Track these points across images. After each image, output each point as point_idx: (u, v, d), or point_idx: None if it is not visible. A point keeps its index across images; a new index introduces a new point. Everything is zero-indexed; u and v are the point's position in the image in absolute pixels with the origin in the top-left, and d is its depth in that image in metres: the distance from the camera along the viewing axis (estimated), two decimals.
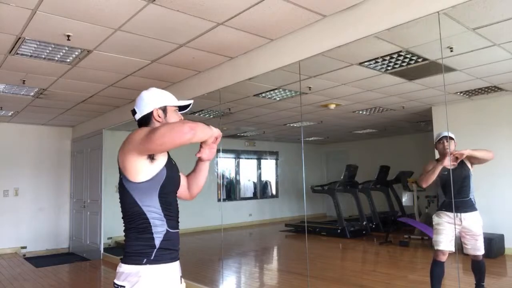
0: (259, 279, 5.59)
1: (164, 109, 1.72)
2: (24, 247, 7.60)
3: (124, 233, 1.65)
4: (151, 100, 1.72)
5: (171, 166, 1.66)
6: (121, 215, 1.67)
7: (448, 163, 3.39)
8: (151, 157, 1.56)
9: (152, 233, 1.58)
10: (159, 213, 1.60)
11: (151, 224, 1.58)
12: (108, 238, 7.46)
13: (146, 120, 1.71)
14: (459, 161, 3.45)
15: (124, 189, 1.61)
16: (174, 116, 1.74)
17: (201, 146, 1.70)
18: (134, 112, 1.74)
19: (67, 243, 8.16)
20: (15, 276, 5.63)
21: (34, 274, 5.80)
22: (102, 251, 6.92)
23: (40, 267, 6.25)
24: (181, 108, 1.78)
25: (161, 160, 1.60)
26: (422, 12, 2.56)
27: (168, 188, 1.64)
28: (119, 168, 1.63)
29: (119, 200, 1.66)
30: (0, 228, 7.37)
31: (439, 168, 3.42)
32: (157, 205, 1.60)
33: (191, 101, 1.80)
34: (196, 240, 8.20)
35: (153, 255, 1.57)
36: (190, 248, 7.24)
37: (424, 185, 3.53)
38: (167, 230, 1.61)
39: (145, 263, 1.55)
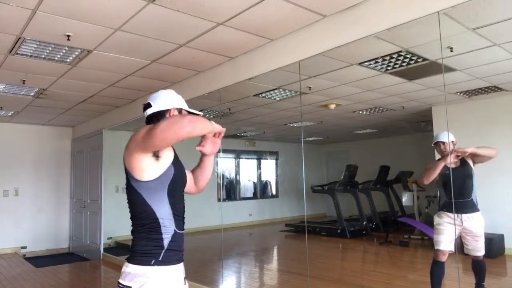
0: (259, 279, 5.59)
1: (180, 111, 1.73)
2: (24, 247, 7.60)
3: (132, 233, 1.64)
4: (171, 99, 1.73)
5: (178, 164, 1.66)
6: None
7: (449, 161, 3.37)
8: (156, 155, 1.55)
9: (161, 234, 1.57)
10: (168, 213, 1.59)
11: (161, 224, 1.58)
12: (108, 238, 7.46)
13: (159, 116, 1.68)
14: (460, 158, 3.43)
15: (132, 188, 1.59)
16: None
17: (202, 140, 1.71)
18: (147, 106, 1.71)
19: (67, 243, 8.16)
20: (15, 276, 5.63)
21: (34, 274, 5.80)
22: (102, 251, 6.91)
23: (40, 267, 6.25)
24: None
25: (167, 158, 1.59)
26: (422, 12, 2.56)
27: (176, 187, 1.63)
28: (125, 168, 1.61)
29: (126, 201, 1.65)
30: (0, 228, 7.38)
31: (441, 165, 3.40)
32: (166, 205, 1.59)
33: (201, 113, 1.82)
34: (196, 240, 8.19)
35: (161, 256, 1.56)
36: (190, 248, 7.22)
37: (426, 182, 3.49)
38: (175, 230, 1.61)
39: (153, 264, 1.54)
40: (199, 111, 1.74)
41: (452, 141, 3.48)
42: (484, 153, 3.35)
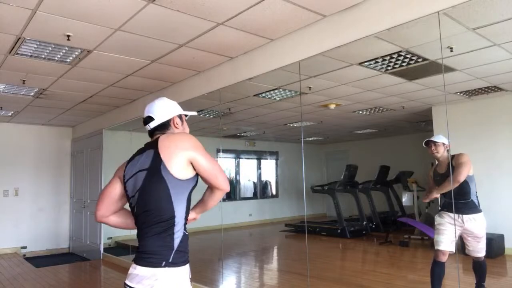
0: (259, 279, 5.59)
1: (180, 117, 1.83)
2: (24, 247, 7.61)
3: (140, 232, 1.63)
4: (169, 108, 1.80)
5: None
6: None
7: (428, 199, 3.62)
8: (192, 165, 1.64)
9: (173, 233, 1.58)
10: (182, 214, 1.62)
11: (175, 223, 1.59)
12: (108, 238, 7.45)
13: (162, 128, 1.77)
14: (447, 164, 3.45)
15: (162, 182, 1.58)
16: (186, 125, 1.87)
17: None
18: (149, 120, 1.77)
19: (67, 243, 8.16)
20: (15, 276, 5.63)
21: (34, 274, 5.80)
22: (102, 251, 6.91)
23: (40, 267, 6.25)
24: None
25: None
26: (422, 12, 2.56)
27: (192, 193, 1.68)
28: (156, 160, 1.60)
29: (136, 196, 1.64)
30: (0, 228, 7.38)
31: (432, 193, 3.55)
32: (184, 206, 1.62)
33: (195, 113, 1.95)
34: (196, 240, 8.18)
35: (171, 257, 1.56)
36: (190, 248, 7.20)
37: (426, 201, 3.71)
38: (184, 232, 1.63)
39: (164, 266, 1.54)
40: (199, 111, 1.79)
41: (444, 143, 3.47)
42: (447, 189, 3.40)
